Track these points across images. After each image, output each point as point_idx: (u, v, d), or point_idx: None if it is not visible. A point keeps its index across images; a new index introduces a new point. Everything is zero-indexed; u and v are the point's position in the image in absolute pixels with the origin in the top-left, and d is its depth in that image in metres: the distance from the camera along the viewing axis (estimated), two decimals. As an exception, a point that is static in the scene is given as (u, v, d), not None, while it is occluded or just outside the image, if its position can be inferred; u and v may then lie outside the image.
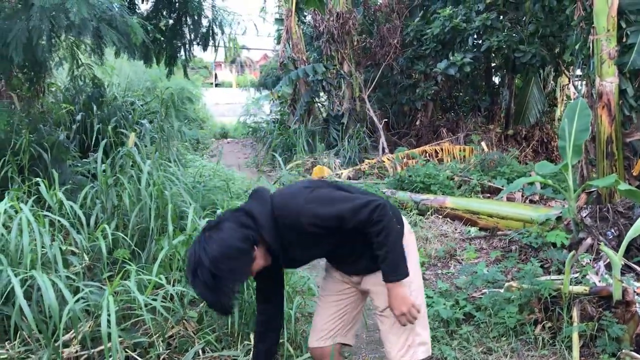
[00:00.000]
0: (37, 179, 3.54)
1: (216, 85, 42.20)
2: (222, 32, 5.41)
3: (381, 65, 10.49)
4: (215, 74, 46.30)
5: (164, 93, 8.40)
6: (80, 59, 5.34)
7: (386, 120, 10.60)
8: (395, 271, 2.03)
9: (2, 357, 2.69)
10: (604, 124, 4.71)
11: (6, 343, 2.81)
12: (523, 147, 10.07)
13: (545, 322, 3.46)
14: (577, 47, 5.15)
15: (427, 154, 8.99)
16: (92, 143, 5.56)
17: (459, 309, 3.75)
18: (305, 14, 12.02)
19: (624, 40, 4.71)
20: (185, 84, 11.36)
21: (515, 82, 11.63)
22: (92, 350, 2.82)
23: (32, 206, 3.42)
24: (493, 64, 11.09)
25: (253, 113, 13.66)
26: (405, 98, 10.84)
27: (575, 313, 3.34)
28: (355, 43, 10.39)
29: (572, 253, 3.55)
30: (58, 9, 3.24)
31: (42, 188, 3.41)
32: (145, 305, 3.00)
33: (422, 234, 5.38)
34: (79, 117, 6.17)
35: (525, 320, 3.49)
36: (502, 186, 6.76)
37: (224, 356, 3.09)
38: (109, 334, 2.51)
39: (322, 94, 11.42)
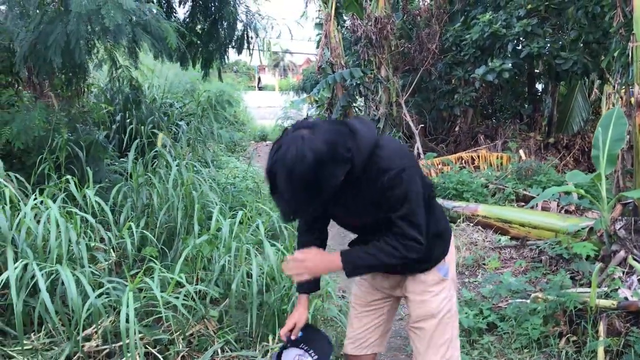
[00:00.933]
0: (69, 176, 3.66)
1: (259, 88, 42.73)
2: (257, 36, 5.49)
3: (419, 70, 10.42)
4: (259, 78, 46.93)
5: (202, 96, 8.56)
6: (118, 62, 5.50)
7: (422, 125, 10.52)
8: (352, 263, 2.01)
9: (27, 347, 2.79)
10: (642, 134, 4.57)
11: (32, 334, 2.92)
12: (563, 155, 9.83)
13: (570, 335, 3.37)
14: (616, 54, 5.02)
15: (463, 161, 8.87)
16: (131, 143, 5.74)
17: (483, 319, 3.70)
18: (345, 18, 12.06)
19: (666, 47, 4.56)
20: (224, 87, 11.53)
21: (560, 89, 11.36)
22: (114, 345, 2.91)
23: (65, 203, 3.56)
24: (536, 71, 10.88)
25: (290, 116, 13.76)
26: (443, 104, 10.73)
27: (601, 327, 3.26)
28: (393, 48, 10.35)
29: (599, 265, 3.46)
30: (94, 15, 3.34)
31: (72, 186, 3.53)
32: (167, 303, 3.09)
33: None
34: (118, 118, 6.38)
35: (549, 332, 3.41)
36: (537, 195, 6.61)
37: (243, 356, 3.12)
38: (129, 329, 2.58)
39: (359, 98, 11.41)
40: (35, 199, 3.14)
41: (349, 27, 11.64)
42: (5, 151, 4.48)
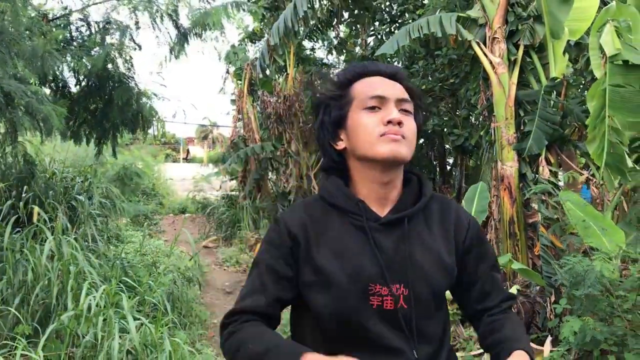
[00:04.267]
0: None
1: (187, 160, 42.64)
2: (151, 116, 5.73)
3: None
4: (187, 150, 46.96)
5: (111, 169, 8.63)
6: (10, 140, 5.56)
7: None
8: None
9: None
10: (506, 206, 5.04)
11: None
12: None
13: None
14: (482, 133, 5.58)
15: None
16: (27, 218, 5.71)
17: None
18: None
19: (522, 127, 5.12)
20: (134, 160, 11.61)
21: (471, 162, 12.10)
22: None
23: None
24: (446, 146, 11.61)
25: (200, 189, 13.94)
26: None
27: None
28: (302, 124, 10.84)
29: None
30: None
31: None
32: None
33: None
34: (14, 193, 6.33)
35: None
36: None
37: None
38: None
39: (271, 171, 11.76)
40: None
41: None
42: None
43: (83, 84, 5.61)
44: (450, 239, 1.38)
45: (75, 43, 5.39)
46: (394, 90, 1.35)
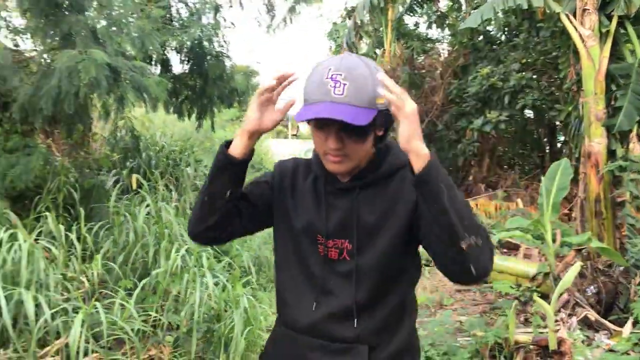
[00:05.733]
0: (47, 213, 4.18)
1: (297, 137, 43.73)
2: (247, 92, 6.06)
3: (424, 121, 10.81)
4: (297, 127, 48.22)
5: (217, 143, 9.15)
6: (121, 112, 6.11)
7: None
8: (438, 165, 1.35)
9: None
10: (593, 184, 4.83)
11: (0, 350, 3.36)
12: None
13: (491, 369, 3.61)
14: (570, 108, 5.33)
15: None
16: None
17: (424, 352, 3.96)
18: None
19: (613, 102, 4.85)
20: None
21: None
22: (69, 362, 3.32)
23: (54, 238, 4.08)
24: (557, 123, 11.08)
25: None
26: (451, 153, 11.05)
27: (518, 361, 3.49)
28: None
29: (515, 302, 3.71)
30: (73, 71, 3.92)
31: (50, 221, 4.05)
32: (122, 328, 3.49)
33: (422, 281, 5.61)
34: (127, 164, 6.97)
35: (474, 366, 3.65)
36: (521, 242, 6.81)
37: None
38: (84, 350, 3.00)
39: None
40: (7, 230, 3.63)
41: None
42: (14, 191, 5.06)
43: (184, 62, 6.01)
44: (404, 194, 1.46)
45: (175, 23, 5.79)
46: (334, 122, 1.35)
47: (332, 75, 1.36)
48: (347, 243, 1.48)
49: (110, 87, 4.54)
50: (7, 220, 4.25)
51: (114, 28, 4.75)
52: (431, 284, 5.65)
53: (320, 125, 1.40)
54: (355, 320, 1.46)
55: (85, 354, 3.18)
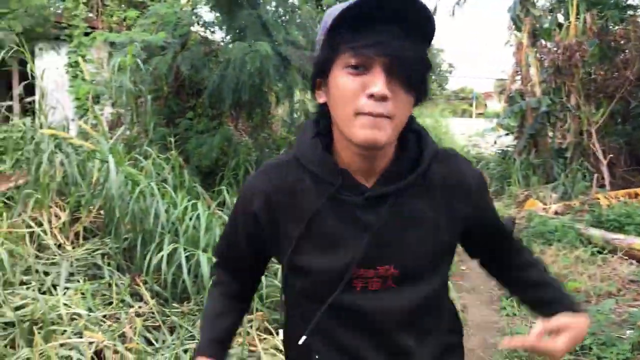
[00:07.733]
0: (223, 187, 4.76)
1: (481, 115, 42.48)
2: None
3: (614, 97, 9.89)
4: (485, 104, 46.75)
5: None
6: (290, 98, 6.63)
7: (612, 155, 9.90)
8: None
9: (177, 310, 3.82)
10: None
11: (185, 303, 3.95)
12: None
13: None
14: None
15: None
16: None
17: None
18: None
19: None
20: (418, 115, 12.19)
21: None
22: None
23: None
24: None
25: (475, 144, 13.88)
26: (646, 132, 10.02)
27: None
28: (582, 75, 10.00)
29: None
30: (243, 62, 4.40)
31: (225, 194, 4.61)
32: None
33: (592, 271, 5.30)
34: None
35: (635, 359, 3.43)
36: None
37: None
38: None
39: (548, 125, 11.17)
40: (189, 201, 4.23)
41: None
42: (205, 168, 5.81)
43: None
44: (452, 207, 1.15)
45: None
46: (390, 44, 0.97)
47: None
48: (393, 269, 1.10)
49: (280, 75, 5.00)
50: (195, 192, 4.91)
51: (283, 17, 5.20)
52: (602, 271, 5.31)
53: (363, 59, 0.98)
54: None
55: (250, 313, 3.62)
